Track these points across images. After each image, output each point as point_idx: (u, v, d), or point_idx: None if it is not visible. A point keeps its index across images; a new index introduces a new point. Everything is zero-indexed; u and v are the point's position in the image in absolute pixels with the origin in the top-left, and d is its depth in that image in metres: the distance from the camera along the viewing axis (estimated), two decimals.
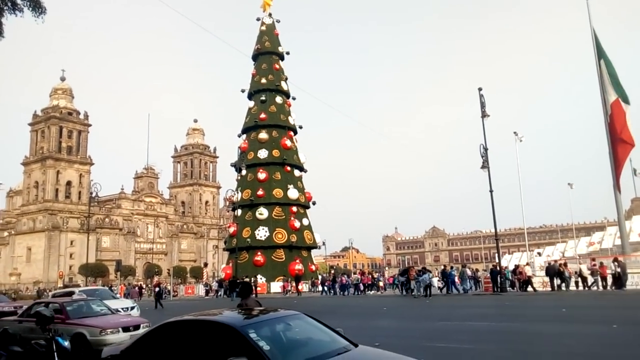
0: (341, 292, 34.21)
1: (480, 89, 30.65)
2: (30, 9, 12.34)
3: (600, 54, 30.73)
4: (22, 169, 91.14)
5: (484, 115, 29.98)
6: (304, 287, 38.77)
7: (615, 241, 39.14)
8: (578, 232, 68.00)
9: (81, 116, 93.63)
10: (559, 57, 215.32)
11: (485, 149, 29.32)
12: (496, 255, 30.41)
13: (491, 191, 28.82)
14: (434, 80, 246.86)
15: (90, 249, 64.96)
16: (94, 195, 45.45)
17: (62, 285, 62.08)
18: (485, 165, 29.03)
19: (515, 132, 36.04)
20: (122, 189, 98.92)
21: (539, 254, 49.02)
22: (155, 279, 61.52)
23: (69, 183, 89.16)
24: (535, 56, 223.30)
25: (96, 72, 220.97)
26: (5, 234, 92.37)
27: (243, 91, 48.22)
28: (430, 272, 29.41)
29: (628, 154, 29.47)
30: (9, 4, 12.14)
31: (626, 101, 29.38)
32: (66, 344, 7.25)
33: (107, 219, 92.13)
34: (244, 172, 43.22)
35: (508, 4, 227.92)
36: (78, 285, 60.78)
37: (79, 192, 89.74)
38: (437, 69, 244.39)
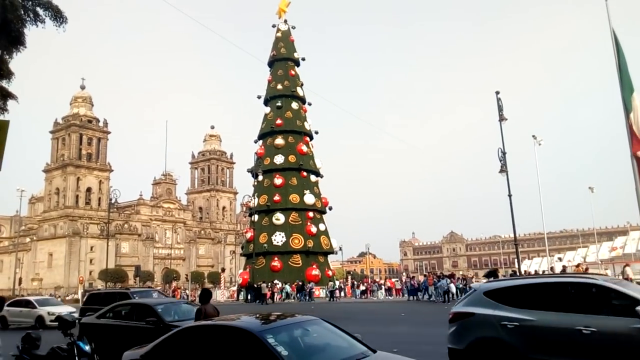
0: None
1: (497, 93, 30.25)
2: (52, 19, 12.56)
3: (620, 56, 30.15)
4: (44, 175, 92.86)
5: (501, 118, 29.57)
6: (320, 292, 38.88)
7: (638, 246, 38.38)
8: (600, 236, 66.62)
9: (101, 124, 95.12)
10: (578, 56, 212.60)
11: (504, 153, 28.98)
12: (515, 260, 29.97)
13: (510, 195, 28.41)
14: (451, 83, 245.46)
15: (110, 254, 65.76)
16: (113, 201, 45.92)
17: (82, 291, 62.77)
18: (503, 169, 28.67)
19: (534, 136, 35.34)
20: (141, 195, 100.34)
21: (560, 259, 48.24)
22: (174, 284, 62.05)
23: (89, 189, 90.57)
24: (554, 56, 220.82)
25: (115, 79, 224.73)
26: (28, 239, 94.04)
27: (259, 97, 48.59)
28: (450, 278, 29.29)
29: None
30: (31, 15, 12.38)
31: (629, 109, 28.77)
32: (87, 348, 7.33)
33: (126, 225, 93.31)
34: (260, 177, 43.43)
35: (527, 4, 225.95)
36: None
37: (99, 199, 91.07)
38: (454, 70, 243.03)
